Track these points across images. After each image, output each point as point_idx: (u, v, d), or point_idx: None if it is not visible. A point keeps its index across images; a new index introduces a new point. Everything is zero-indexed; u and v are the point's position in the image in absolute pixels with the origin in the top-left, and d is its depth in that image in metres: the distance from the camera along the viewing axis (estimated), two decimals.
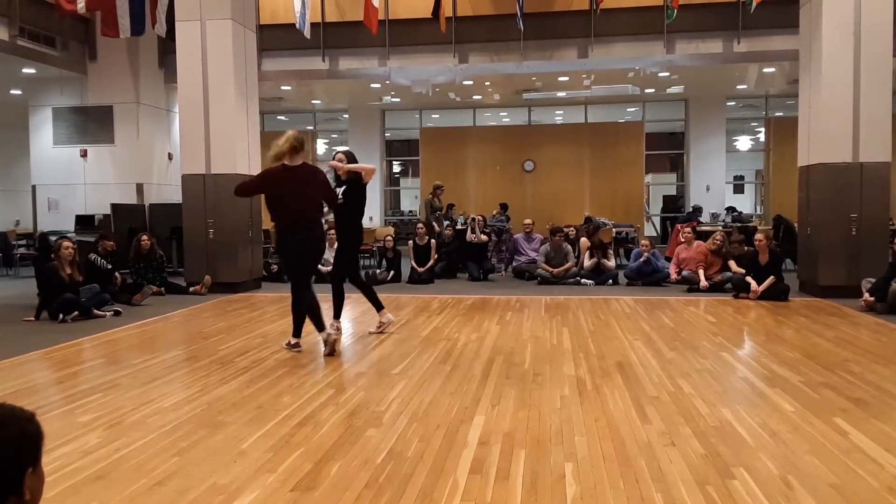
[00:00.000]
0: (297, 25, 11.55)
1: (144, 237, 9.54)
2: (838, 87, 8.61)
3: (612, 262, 10.62)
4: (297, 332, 5.76)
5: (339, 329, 6.24)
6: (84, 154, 13.53)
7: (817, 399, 4.11)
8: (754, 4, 10.67)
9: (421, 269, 10.88)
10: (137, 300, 8.49)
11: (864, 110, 8.57)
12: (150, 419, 3.83)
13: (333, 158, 6.28)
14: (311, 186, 5.54)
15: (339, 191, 6.11)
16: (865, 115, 8.57)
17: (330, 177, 6.05)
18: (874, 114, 8.58)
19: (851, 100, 8.59)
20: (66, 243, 7.58)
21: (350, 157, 6.26)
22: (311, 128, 18.49)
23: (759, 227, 12.49)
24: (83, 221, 12.68)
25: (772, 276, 8.45)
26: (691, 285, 9.45)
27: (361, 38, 12.68)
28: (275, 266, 11.06)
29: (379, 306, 6.47)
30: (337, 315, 6.36)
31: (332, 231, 11.44)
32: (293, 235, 5.56)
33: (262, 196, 6.22)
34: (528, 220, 11.95)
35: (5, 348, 5.79)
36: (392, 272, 10.90)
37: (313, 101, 17.26)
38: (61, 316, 7.19)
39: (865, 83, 8.56)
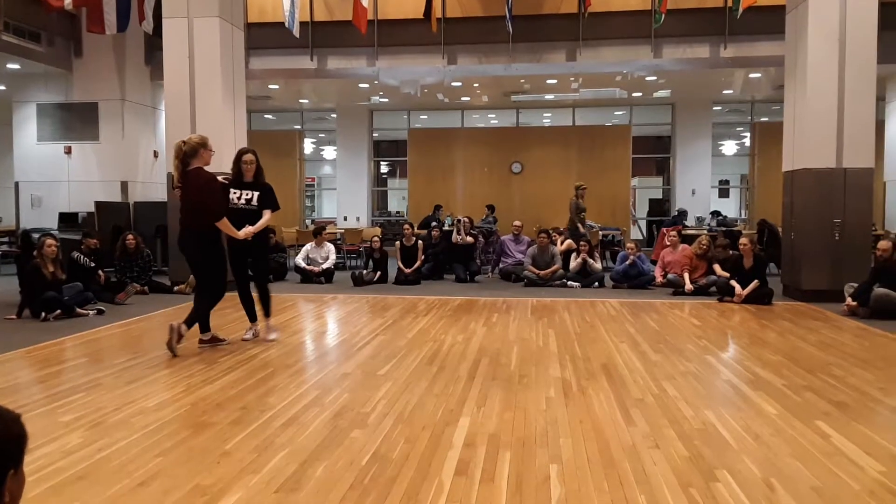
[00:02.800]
0: (286, 24, 11.52)
1: (130, 236, 9.46)
2: (823, 93, 8.69)
3: (598, 265, 10.67)
4: (253, 317, 6.12)
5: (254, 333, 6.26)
6: (68, 151, 13.41)
7: (800, 402, 4.14)
8: (741, 10, 10.76)
9: (407, 271, 10.87)
10: (121, 299, 8.43)
11: (849, 116, 8.66)
12: (133, 419, 3.80)
13: (241, 158, 6.09)
14: (190, 196, 5.56)
15: (254, 195, 6.01)
16: (850, 122, 8.66)
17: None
18: (858, 120, 8.67)
19: (836, 106, 8.68)
20: (48, 241, 7.50)
21: (257, 158, 6.14)
22: (299, 127, 18.43)
23: (743, 232, 12.58)
24: (67, 219, 12.57)
25: (756, 280, 8.52)
26: (676, 288, 9.50)
27: (350, 38, 12.66)
28: None
29: (255, 316, 6.37)
30: (252, 318, 6.33)
31: (327, 233, 11.57)
32: (179, 239, 5.74)
33: None
34: (517, 222, 11.96)
35: None
36: (379, 273, 10.89)
37: (301, 101, 17.20)
38: (43, 314, 7.12)
39: (850, 90, 8.64)
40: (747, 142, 17.92)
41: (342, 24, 12.67)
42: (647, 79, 13.89)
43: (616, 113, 17.84)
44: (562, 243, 11.10)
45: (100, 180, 13.27)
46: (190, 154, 5.53)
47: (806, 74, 8.75)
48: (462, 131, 17.73)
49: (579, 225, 12.16)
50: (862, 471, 3.06)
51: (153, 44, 13.02)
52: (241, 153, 6.15)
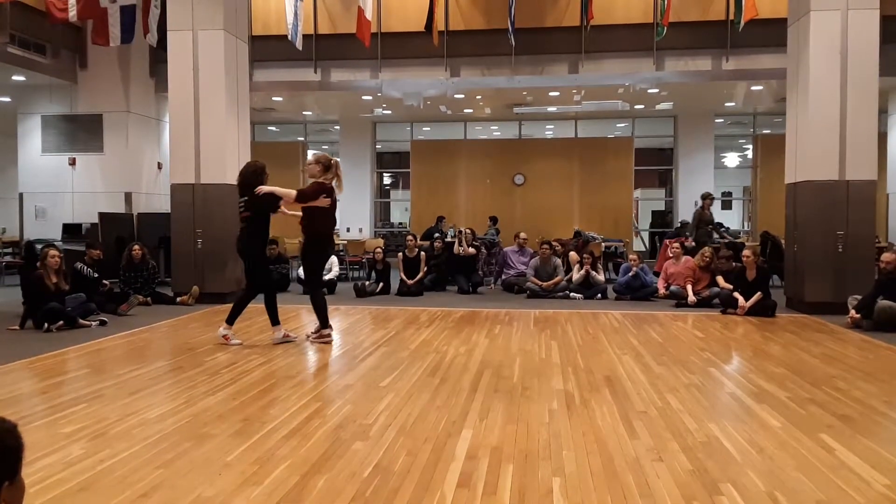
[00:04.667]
0: (290, 37, 11.57)
1: (136, 247, 9.49)
2: (825, 106, 8.71)
3: (601, 277, 10.65)
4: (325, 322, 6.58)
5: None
6: (72, 162, 13.46)
7: (804, 415, 4.12)
8: (743, 23, 10.81)
9: (410, 282, 10.86)
10: (123, 310, 8.42)
11: (851, 129, 8.67)
12: (134, 430, 3.79)
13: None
14: (334, 206, 6.68)
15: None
16: (852, 134, 8.67)
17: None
18: (860, 132, 8.68)
19: (838, 118, 8.69)
20: (52, 252, 7.52)
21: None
22: (302, 139, 18.49)
23: (746, 244, 12.56)
24: (70, 230, 12.60)
25: (759, 292, 8.49)
26: (679, 300, 9.48)
27: (354, 51, 12.71)
28: None
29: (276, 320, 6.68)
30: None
31: None
32: (328, 244, 6.82)
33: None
34: (522, 234, 11.93)
35: None
36: (381, 284, 10.88)
37: (304, 113, 17.26)
38: (46, 325, 7.12)
39: (852, 102, 8.66)
40: (749, 154, 17.94)
41: (346, 36, 12.74)
42: (650, 91, 13.92)
43: (618, 125, 17.88)
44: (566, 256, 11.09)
45: (104, 191, 13.30)
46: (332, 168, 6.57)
47: (808, 87, 8.77)
48: (465, 143, 17.78)
49: (707, 239, 11.46)
50: (867, 484, 3.04)
51: (158, 56, 13.09)
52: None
